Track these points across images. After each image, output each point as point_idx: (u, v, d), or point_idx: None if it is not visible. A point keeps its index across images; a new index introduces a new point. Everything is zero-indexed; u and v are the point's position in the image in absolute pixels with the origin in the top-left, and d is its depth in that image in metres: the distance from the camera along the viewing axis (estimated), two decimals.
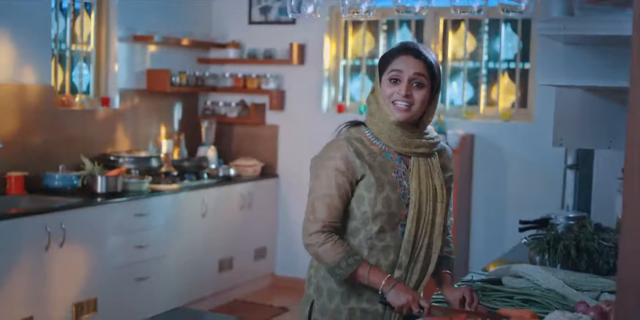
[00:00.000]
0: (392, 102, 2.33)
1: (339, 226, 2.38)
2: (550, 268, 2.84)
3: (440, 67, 2.45)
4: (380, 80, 2.38)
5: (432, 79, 2.35)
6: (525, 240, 3.25)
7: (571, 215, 3.58)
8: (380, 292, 2.32)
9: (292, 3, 1.99)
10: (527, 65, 5.70)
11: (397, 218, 2.36)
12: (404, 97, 2.31)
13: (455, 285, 2.55)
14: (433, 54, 2.40)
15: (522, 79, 5.72)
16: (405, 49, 2.35)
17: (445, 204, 2.43)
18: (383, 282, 2.29)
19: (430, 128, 2.46)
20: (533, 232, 3.64)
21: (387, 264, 2.37)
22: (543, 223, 3.59)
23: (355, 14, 2.07)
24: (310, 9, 2.01)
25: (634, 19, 1.52)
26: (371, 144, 2.39)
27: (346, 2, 2.17)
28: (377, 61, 6.01)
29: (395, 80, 2.33)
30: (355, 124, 2.46)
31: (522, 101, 5.74)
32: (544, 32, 2.07)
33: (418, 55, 2.33)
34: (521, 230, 3.65)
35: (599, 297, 2.63)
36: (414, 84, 2.32)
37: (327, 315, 2.45)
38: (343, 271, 2.31)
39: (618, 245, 2.99)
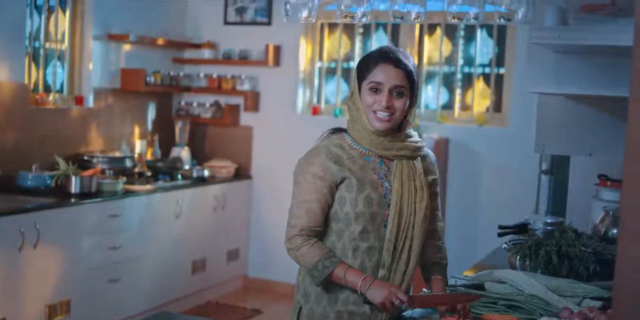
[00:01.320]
0: (373, 111, 2.36)
1: (318, 230, 2.40)
2: (532, 273, 2.86)
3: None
4: (359, 87, 2.40)
5: (411, 86, 2.38)
6: (506, 245, 3.28)
7: (549, 221, 3.62)
8: (359, 293, 2.33)
9: (288, 7, 1.97)
10: (502, 70, 5.74)
11: (379, 218, 2.38)
12: (385, 108, 2.35)
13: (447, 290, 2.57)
14: (411, 58, 2.42)
15: (497, 84, 5.76)
16: (385, 58, 2.36)
17: (426, 204, 2.43)
18: (359, 282, 2.31)
19: (414, 133, 2.49)
20: (510, 237, 3.69)
21: (372, 264, 2.39)
22: (521, 228, 3.63)
23: (350, 19, 2.06)
24: (305, 13, 1.99)
25: (635, 31, 1.53)
26: (351, 148, 2.43)
27: (342, 7, 2.15)
28: (352, 64, 6.13)
29: (375, 90, 2.36)
30: (337, 130, 2.50)
31: (497, 106, 5.78)
32: (539, 40, 2.09)
33: (397, 64, 2.35)
34: (500, 235, 3.69)
35: (581, 302, 2.66)
36: (394, 94, 2.36)
37: (314, 319, 2.45)
38: (320, 273, 2.34)
39: (598, 251, 3.04)
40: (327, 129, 2.53)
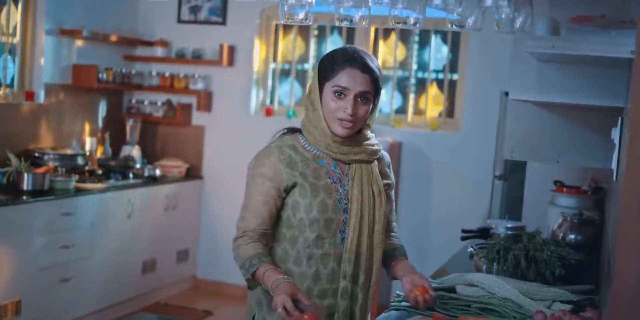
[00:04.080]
0: (337, 118, 2.29)
1: (262, 232, 2.32)
2: (501, 277, 2.92)
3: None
4: (320, 89, 2.31)
5: (376, 92, 2.33)
6: (472, 249, 3.33)
7: (510, 225, 3.70)
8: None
9: (285, 9, 1.97)
10: (455, 76, 5.83)
11: (334, 224, 2.32)
12: (350, 116, 2.27)
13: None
14: (375, 60, 2.35)
15: (450, 90, 5.84)
16: (352, 61, 2.26)
17: (383, 211, 2.39)
18: (269, 285, 2.17)
19: (371, 135, 2.43)
20: (471, 241, 3.75)
21: (327, 272, 2.34)
22: (484, 232, 3.69)
23: (290, 20, 2.04)
24: (301, 15, 2.00)
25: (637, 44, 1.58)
26: (305, 150, 2.36)
27: (285, 8, 2.13)
28: (307, 66, 6.15)
29: (339, 94, 2.27)
30: (291, 130, 2.43)
31: (450, 111, 5.87)
32: (533, 49, 2.13)
33: (365, 69, 2.27)
34: (463, 238, 3.75)
35: (551, 306, 2.72)
36: (359, 100, 2.29)
37: None
38: (246, 271, 2.24)
39: (563, 256, 3.11)
40: (280, 129, 2.45)
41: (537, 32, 2.17)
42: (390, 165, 2.55)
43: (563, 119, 3.00)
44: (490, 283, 2.78)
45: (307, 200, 2.29)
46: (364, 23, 1.97)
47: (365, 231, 2.34)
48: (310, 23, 1.97)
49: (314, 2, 1.96)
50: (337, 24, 2.00)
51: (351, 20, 1.96)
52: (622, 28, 1.97)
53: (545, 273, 3.00)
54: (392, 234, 2.58)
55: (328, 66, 2.30)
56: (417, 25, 1.94)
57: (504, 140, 3.15)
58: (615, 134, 2.13)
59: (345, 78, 2.26)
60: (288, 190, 2.32)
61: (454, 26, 2.01)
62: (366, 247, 2.35)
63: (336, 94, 2.27)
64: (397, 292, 2.69)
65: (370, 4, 1.94)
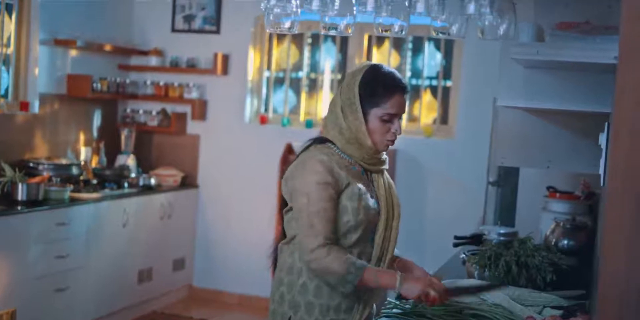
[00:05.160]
0: (385, 138, 2.43)
1: (335, 237, 2.40)
2: None
3: None
4: (364, 110, 2.40)
5: None
6: (464, 255, 3.34)
7: (502, 231, 3.71)
8: (395, 290, 2.39)
9: (271, 18, 1.99)
10: (448, 83, 5.85)
11: (372, 225, 2.46)
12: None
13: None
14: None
15: (444, 96, 5.86)
16: (397, 87, 2.41)
17: (399, 210, 2.55)
18: (389, 280, 2.35)
19: None
20: (463, 247, 3.76)
21: None
22: (476, 238, 3.70)
23: (278, 29, 2.06)
24: (287, 24, 2.01)
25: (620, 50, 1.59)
26: (340, 158, 2.46)
27: (271, 18, 2.15)
28: (301, 74, 6.16)
29: (388, 119, 2.41)
30: (318, 141, 2.50)
31: (444, 118, 5.88)
32: (517, 56, 2.15)
33: (406, 91, 2.44)
34: (456, 245, 3.75)
35: (542, 311, 2.73)
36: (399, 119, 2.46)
37: None
38: (354, 276, 2.32)
39: (554, 261, 3.12)
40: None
41: (522, 39, 2.18)
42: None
43: (553, 125, 3.02)
44: None
45: (355, 203, 2.40)
46: (349, 31, 1.98)
47: (389, 227, 2.50)
48: (296, 31, 1.99)
49: (299, 11, 1.97)
50: (322, 32, 2.01)
51: (336, 28, 1.97)
52: (606, 34, 1.99)
53: (536, 279, 3.01)
54: None
55: (373, 92, 2.40)
56: (403, 32, 1.96)
57: (493, 147, 3.16)
58: (602, 139, 2.14)
59: (395, 106, 2.41)
60: (340, 194, 2.40)
61: (439, 33, 2.02)
62: (388, 242, 2.50)
63: (384, 118, 2.41)
64: (389, 299, 2.69)
65: (355, 12, 1.95)
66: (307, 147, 2.49)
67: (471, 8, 1.89)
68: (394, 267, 2.59)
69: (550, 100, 2.40)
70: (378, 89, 2.39)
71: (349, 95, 2.39)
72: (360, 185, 2.43)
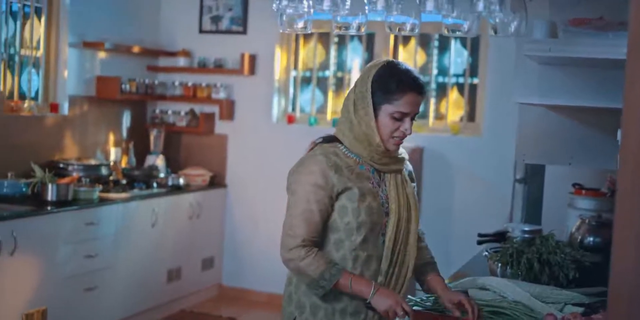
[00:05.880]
0: (392, 136, 2.38)
1: (318, 241, 2.39)
2: (514, 280, 2.91)
3: None
4: (375, 106, 2.36)
5: None
6: (487, 252, 3.33)
7: (527, 229, 3.69)
8: (365, 300, 2.35)
9: (285, 18, 2.00)
10: (475, 80, 5.82)
11: (378, 227, 2.41)
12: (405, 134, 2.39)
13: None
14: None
15: (471, 94, 5.84)
16: (413, 86, 2.34)
17: (417, 212, 2.51)
18: (365, 289, 2.33)
19: None
20: (487, 245, 3.74)
21: (370, 273, 2.42)
22: (500, 236, 3.68)
23: (290, 29, 2.07)
24: (300, 24, 2.03)
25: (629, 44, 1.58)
26: (346, 157, 2.42)
27: (284, 18, 2.15)
28: (328, 73, 6.17)
29: (399, 118, 2.36)
30: (328, 139, 2.48)
31: (471, 115, 5.86)
32: (531, 52, 2.14)
33: (422, 91, 2.37)
34: (479, 242, 3.74)
35: (563, 308, 2.71)
36: (412, 118, 2.39)
37: None
38: (327, 282, 2.33)
39: (577, 258, 3.10)
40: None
41: (535, 35, 2.17)
42: (413, 173, 2.62)
43: (573, 121, 3.00)
44: (501, 286, 2.78)
45: (355, 204, 2.36)
46: (362, 30, 1.99)
47: (402, 230, 2.44)
48: (310, 31, 2.01)
49: (312, 11, 1.99)
50: (335, 32, 2.03)
51: (347, 28, 1.98)
52: (620, 30, 1.97)
53: (559, 276, 2.99)
54: (423, 244, 2.67)
55: (386, 89, 2.36)
56: (415, 31, 1.96)
57: (516, 144, 3.15)
58: (620, 135, 2.13)
59: (407, 104, 2.35)
60: (338, 196, 2.37)
61: (450, 31, 2.02)
62: (402, 245, 2.45)
63: (395, 116, 2.36)
64: (410, 296, 2.70)
65: (367, 11, 1.96)
66: (317, 144, 2.47)
67: (480, 5, 1.90)
68: (425, 281, 2.58)
69: (564, 96, 2.38)
70: (391, 84, 2.34)
71: (361, 89, 2.36)
72: (364, 186, 2.39)
